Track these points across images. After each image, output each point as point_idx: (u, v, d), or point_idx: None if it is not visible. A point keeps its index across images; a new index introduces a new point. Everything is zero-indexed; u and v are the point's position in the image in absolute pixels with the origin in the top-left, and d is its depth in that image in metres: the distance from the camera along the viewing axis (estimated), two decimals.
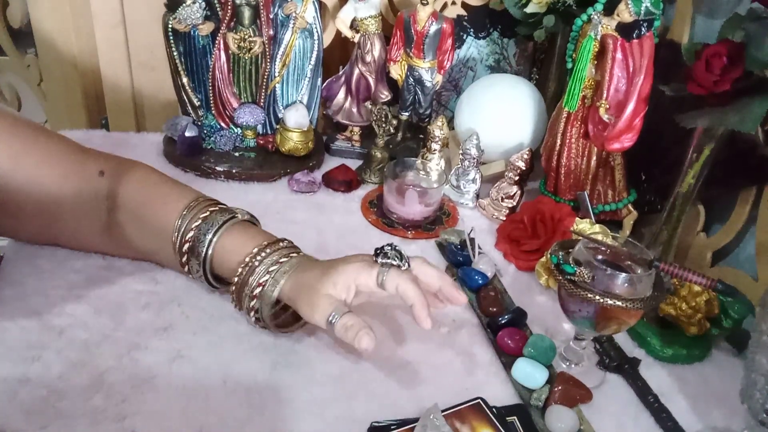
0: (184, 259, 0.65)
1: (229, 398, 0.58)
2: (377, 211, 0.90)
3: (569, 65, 0.87)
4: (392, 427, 0.56)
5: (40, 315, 0.64)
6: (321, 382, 0.61)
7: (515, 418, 0.60)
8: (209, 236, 0.63)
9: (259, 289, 0.61)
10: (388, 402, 0.60)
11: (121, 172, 0.67)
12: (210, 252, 0.64)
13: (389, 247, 0.60)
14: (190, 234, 0.64)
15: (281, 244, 0.64)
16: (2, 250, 0.72)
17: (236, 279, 0.62)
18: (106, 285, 0.69)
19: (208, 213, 0.65)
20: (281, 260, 0.62)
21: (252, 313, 0.62)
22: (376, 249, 0.61)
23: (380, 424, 0.57)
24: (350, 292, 0.59)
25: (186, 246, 0.64)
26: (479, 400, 0.60)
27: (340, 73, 1.02)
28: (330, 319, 0.57)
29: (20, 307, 0.64)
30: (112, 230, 0.68)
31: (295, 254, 0.63)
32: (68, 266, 0.70)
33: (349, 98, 1.02)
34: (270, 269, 0.61)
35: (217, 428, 0.55)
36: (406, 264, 0.60)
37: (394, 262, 0.59)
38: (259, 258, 0.62)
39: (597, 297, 0.58)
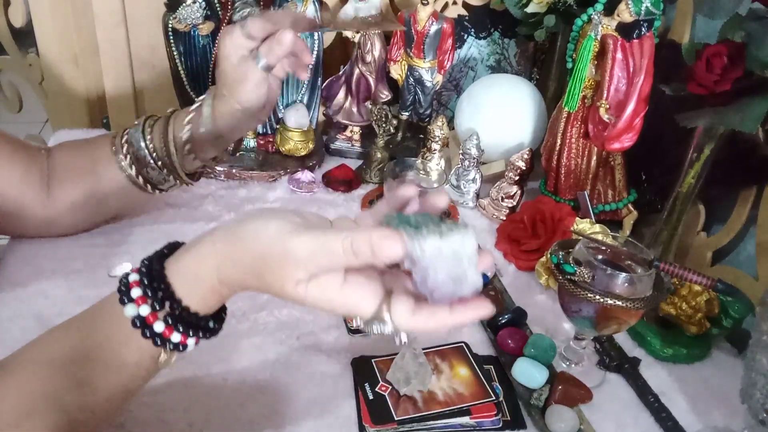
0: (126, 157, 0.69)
1: (229, 398, 0.58)
2: None
3: (569, 65, 0.87)
4: (373, 359, 0.62)
5: (40, 315, 0.64)
6: (321, 382, 0.61)
7: (491, 367, 0.64)
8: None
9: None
10: None
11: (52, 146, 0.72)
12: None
13: None
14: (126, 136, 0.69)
15: None
16: (2, 250, 0.72)
17: None
18: (106, 285, 0.69)
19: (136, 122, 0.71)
20: None
21: None
22: None
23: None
24: None
25: (126, 146, 0.69)
26: (462, 344, 0.64)
27: (340, 73, 1.02)
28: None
29: (20, 307, 0.65)
30: (51, 199, 0.69)
31: None
32: (68, 266, 0.70)
33: (349, 98, 1.02)
34: None
35: (218, 428, 0.55)
36: None
37: None
38: None
39: (597, 297, 0.58)
